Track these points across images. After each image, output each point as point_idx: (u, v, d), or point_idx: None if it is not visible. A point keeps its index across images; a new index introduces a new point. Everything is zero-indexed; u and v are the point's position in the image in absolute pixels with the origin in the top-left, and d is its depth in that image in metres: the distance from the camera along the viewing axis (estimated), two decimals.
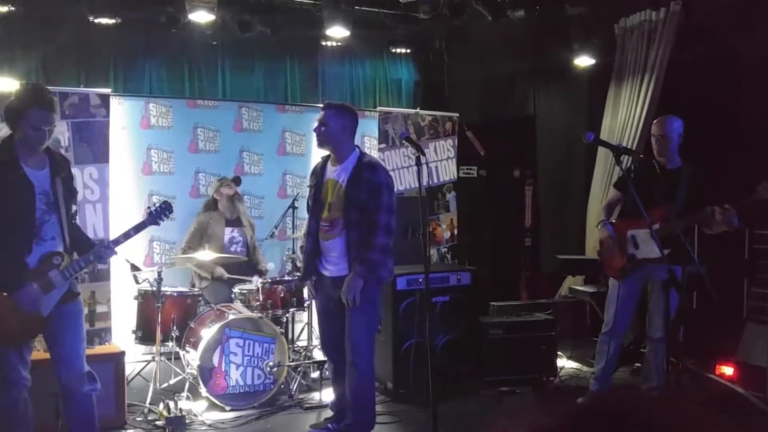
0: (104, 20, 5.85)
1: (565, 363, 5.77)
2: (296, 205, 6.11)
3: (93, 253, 3.53)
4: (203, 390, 4.67)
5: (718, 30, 5.60)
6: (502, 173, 7.85)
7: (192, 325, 4.96)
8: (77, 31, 6.17)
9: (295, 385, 5.08)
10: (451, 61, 7.91)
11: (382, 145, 6.86)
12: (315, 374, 5.27)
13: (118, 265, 5.24)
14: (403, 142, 4.36)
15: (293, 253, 6.02)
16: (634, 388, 4.91)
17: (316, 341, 5.69)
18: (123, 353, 4.53)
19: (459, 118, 7.36)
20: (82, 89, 5.65)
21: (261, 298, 5.13)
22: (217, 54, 6.93)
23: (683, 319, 4.12)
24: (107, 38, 6.26)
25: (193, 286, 5.71)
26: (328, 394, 4.74)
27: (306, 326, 5.79)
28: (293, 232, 6.19)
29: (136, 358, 5.47)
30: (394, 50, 7.45)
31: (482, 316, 5.64)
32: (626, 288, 4.64)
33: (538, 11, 6.18)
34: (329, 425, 4.32)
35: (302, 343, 5.93)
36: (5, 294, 3.33)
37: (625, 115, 6.45)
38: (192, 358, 4.79)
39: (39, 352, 3.86)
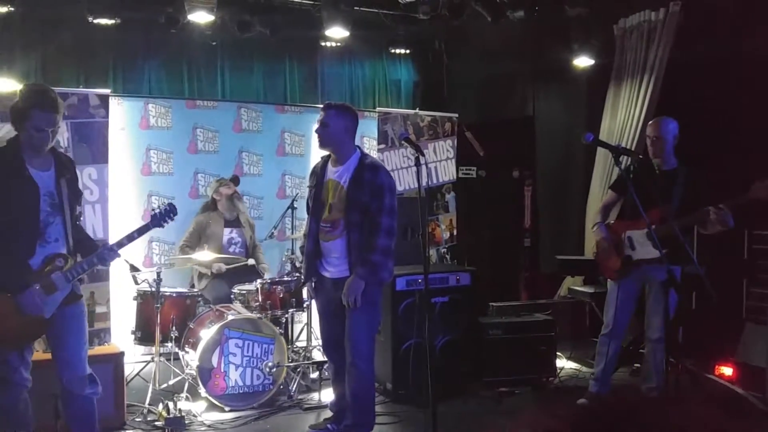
0: (104, 21, 5.85)
1: (564, 363, 5.77)
2: (295, 205, 6.10)
3: (96, 256, 3.52)
4: (202, 390, 4.67)
5: (718, 30, 5.60)
6: (501, 174, 7.85)
7: (191, 326, 4.96)
8: (77, 32, 6.16)
9: (295, 386, 5.08)
10: (451, 61, 7.91)
11: (382, 146, 6.87)
12: (314, 375, 5.27)
13: (117, 265, 5.22)
14: (403, 142, 4.36)
15: (292, 253, 6.02)
16: (634, 388, 4.91)
17: (315, 342, 5.70)
18: (122, 354, 4.52)
19: (458, 119, 7.37)
20: (82, 90, 5.65)
21: (260, 299, 5.14)
22: (217, 54, 6.92)
23: (683, 320, 4.13)
24: (106, 39, 6.26)
25: (193, 286, 5.71)
26: (327, 395, 4.74)
27: (305, 327, 5.78)
28: (292, 233, 6.18)
29: (136, 359, 5.47)
30: (393, 51, 7.45)
31: (481, 316, 5.64)
32: (624, 289, 4.65)
33: (538, 12, 6.18)
34: (329, 426, 4.31)
35: (301, 343, 5.92)
36: (8, 295, 3.31)
37: (624, 115, 6.46)
38: (191, 358, 4.79)
39: (38, 352, 3.87)
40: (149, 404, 4.64)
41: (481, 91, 8.10)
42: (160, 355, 4.94)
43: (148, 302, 4.98)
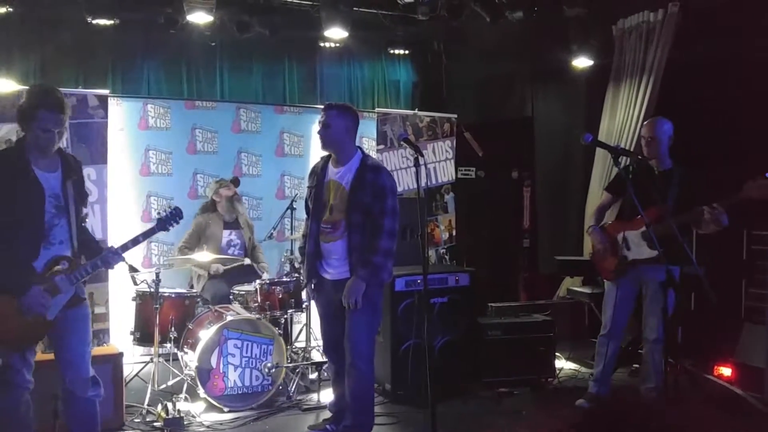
0: (102, 21, 5.85)
1: (563, 364, 5.77)
2: (294, 206, 6.10)
3: (100, 259, 3.50)
4: (201, 391, 4.66)
5: (716, 31, 5.61)
6: (500, 174, 7.86)
7: (190, 327, 4.96)
8: (75, 33, 6.16)
9: (294, 387, 5.08)
10: (450, 62, 7.92)
11: (381, 146, 6.87)
12: (313, 375, 5.27)
13: (116, 266, 5.22)
14: (402, 143, 4.35)
15: (291, 254, 6.01)
16: (633, 389, 4.91)
17: (314, 342, 5.70)
18: (121, 354, 4.52)
19: (457, 119, 7.37)
20: (80, 90, 5.65)
21: (259, 300, 5.14)
22: (216, 55, 6.93)
23: (681, 320, 4.14)
24: (105, 39, 6.26)
25: (192, 287, 5.71)
26: (326, 395, 4.74)
27: (304, 327, 5.78)
28: (291, 234, 6.18)
29: (134, 360, 5.47)
30: (392, 51, 7.45)
31: (481, 317, 5.64)
32: (621, 289, 4.68)
33: (536, 12, 6.18)
34: (327, 426, 4.31)
35: (300, 344, 5.92)
36: (10, 297, 3.29)
37: (623, 116, 6.46)
38: (190, 359, 4.79)
39: (37, 353, 3.85)
40: (148, 405, 4.64)
41: (480, 92, 8.11)
42: (159, 355, 4.93)
43: (147, 303, 4.98)
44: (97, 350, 4.70)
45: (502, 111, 8.21)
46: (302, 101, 7.21)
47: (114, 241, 4.10)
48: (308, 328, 5.69)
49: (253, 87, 7.17)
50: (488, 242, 7.81)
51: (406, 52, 7.51)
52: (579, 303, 6.65)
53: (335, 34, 6.27)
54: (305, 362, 5.43)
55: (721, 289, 4.33)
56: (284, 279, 5.34)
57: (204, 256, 5.29)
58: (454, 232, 7.39)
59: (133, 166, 6.20)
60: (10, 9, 5.61)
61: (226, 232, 5.85)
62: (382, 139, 6.88)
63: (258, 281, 5.25)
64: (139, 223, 6.15)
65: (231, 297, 5.40)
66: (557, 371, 5.57)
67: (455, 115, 7.38)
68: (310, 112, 6.87)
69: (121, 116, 6.11)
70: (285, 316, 5.35)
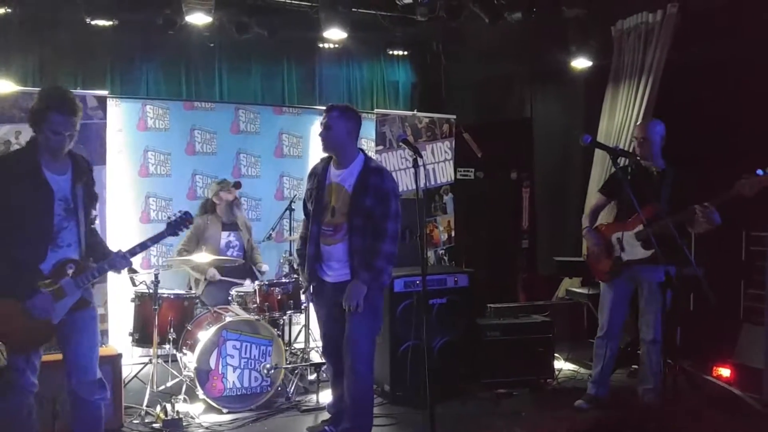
0: (101, 22, 5.84)
1: (562, 365, 5.77)
2: (293, 207, 6.10)
3: (107, 262, 3.49)
4: (200, 392, 4.66)
5: (715, 32, 5.61)
6: (499, 175, 7.86)
7: (189, 328, 4.96)
8: (74, 34, 6.16)
9: (293, 388, 5.08)
10: (449, 63, 7.92)
11: (380, 147, 6.87)
12: (312, 376, 5.27)
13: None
14: (401, 144, 4.34)
15: (290, 255, 6.01)
16: (632, 390, 4.92)
17: (313, 343, 5.69)
18: (120, 355, 4.50)
19: (456, 120, 7.38)
20: (79, 91, 5.63)
21: (258, 301, 5.13)
22: (215, 56, 6.92)
23: (680, 321, 4.14)
24: (104, 40, 6.25)
25: (190, 288, 5.70)
26: (325, 396, 4.74)
27: (303, 328, 5.78)
28: (290, 234, 6.18)
29: (133, 361, 5.47)
30: (391, 52, 7.45)
31: (479, 318, 5.64)
32: (616, 290, 4.71)
33: (535, 13, 6.18)
34: (326, 428, 4.30)
35: (299, 345, 5.91)
36: (16, 300, 3.28)
37: (621, 117, 6.46)
38: (189, 360, 4.78)
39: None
40: (147, 406, 4.63)
41: (479, 93, 8.11)
42: (158, 356, 4.93)
43: (145, 304, 4.97)
44: None
45: (501, 112, 8.21)
46: (301, 102, 7.21)
47: (112, 242, 4.07)
48: (307, 329, 5.69)
49: (252, 88, 7.17)
50: (487, 243, 7.81)
51: (405, 53, 7.52)
52: (578, 304, 6.65)
53: (334, 35, 6.27)
54: (304, 363, 5.43)
55: (720, 290, 4.32)
56: (283, 280, 5.34)
57: (203, 257, 5.28)
58: (453, 233, 7.39)
59: (131, 167, 6.20)
60: (9, 10, 5.60)
61: (224, 234, 5.84)
62: (380, 140, 6.88)
63: (257, 282, 5.24)
64: (137, 225, 6.15)
65: (230, 299, 5.39)
66: (556, 372, 5.57)
67: (454, 116, 7.38)
68: (309, 113, 6.87)
69: (120, 117, 6.11)
70: (284, 317, 5.35)
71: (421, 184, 3.70)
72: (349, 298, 3.91)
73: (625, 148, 6.09)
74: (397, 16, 6.63)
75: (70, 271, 3.37)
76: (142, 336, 5.01)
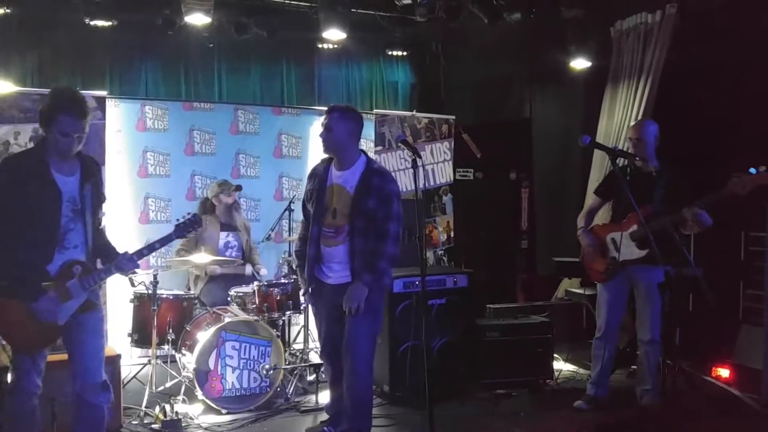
0: (100, 23, 5.84)
1: (561, 365, 5.77)
2: (293, 207, 6.10)
3: (114, 265, 3.47)
4: (199, 393, 4.66)
5: (714, 33, 5.62)
6: (498, 176, 7.86)
7: (188, 328, 4.95)
8: (73, 34, 6.16)
9: (292, 388, 5.07)
10: (448, 63, 7.92)
11: (379, 148, 6.87)
12: (311, 377, 5.27)
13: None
14: (400, 144, 4.35)
15: (289, 256, 6.01)
16: (630, 390, 4.92)
17: (312, 344, 5.69)
18: (119, 356, 4.49)
19: (455, 121, 7.38)
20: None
21: (257, 301, 5.13)
22: (214, 56, 6.93)
23: (679, 321, 4.14)
24: (103, 41, 6.26)
25: (189, 289, 5.70)
26: (324, 397, 4.73)
27: (302, 329, 5.78)
28: (289, 235, 6.18)
29: (132, 361, 5.47)
30: (390, 53, 7.46)
31: (479, 318, 5.64)
32: (612, 291, 4.73)
33: (534, 14, 6.18)
34: (325, 428, 4.29)
35: (298, 345, 5.92)
36: (22, 301, 3.27)
37: (621, 117, 6.45)
38: (188, 361, 4.78)
39: None
40: (146, 407, 4.63)
41: (478, 93, 8.11)
42: (157, 357, 4.92)
43: (144, 305, 4.97)
44: None
45: (500, 112, 8.21)
46: (300, 102, 7.21)
47: (111, 243, 4.07)
48: (306, 329, 5.69)
49: (251, 88, 7.17)
50: (486, 243, 7.81)
51: (404, 53, 7.52)
52: (577, 304, 6.64)
53: (333, 35, 6.27)
54: (303, 364, 5.43)
55: (719, 291, 4.33)
56: (282, 281, 5.33)
57: (202, 257, 5.28)
58: (452, 234, 7.39)
59: (130, 168, 6.19)
60: (8, 10, 5.60)
61: (223, 234, 5.83)
62: (380, 140, 6.88)
63: (256, 283, 5.24)
64: (136, 225, 6.14)
65: (229, 300, 5.39)
66: (555, 373, 5.57)
67: (453, 117, 7.38)
68: (308, 113, 6.87)
69: (119, 118, 6.11)
70: (283, 318, 5.34)
71: (420, 184, 3.70)
72: (350, 300, 3.89)
73: (624, 149, 6.10)
74: (396, 17, 6.63)
75: (76, 273, 3.35)
76: (141, 336, 5.01)
